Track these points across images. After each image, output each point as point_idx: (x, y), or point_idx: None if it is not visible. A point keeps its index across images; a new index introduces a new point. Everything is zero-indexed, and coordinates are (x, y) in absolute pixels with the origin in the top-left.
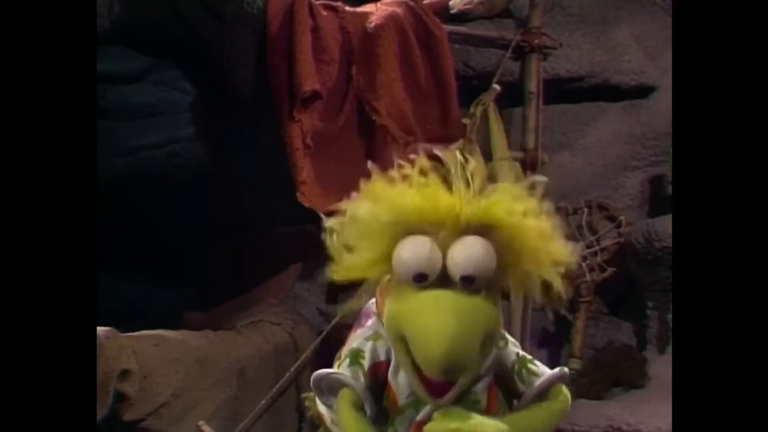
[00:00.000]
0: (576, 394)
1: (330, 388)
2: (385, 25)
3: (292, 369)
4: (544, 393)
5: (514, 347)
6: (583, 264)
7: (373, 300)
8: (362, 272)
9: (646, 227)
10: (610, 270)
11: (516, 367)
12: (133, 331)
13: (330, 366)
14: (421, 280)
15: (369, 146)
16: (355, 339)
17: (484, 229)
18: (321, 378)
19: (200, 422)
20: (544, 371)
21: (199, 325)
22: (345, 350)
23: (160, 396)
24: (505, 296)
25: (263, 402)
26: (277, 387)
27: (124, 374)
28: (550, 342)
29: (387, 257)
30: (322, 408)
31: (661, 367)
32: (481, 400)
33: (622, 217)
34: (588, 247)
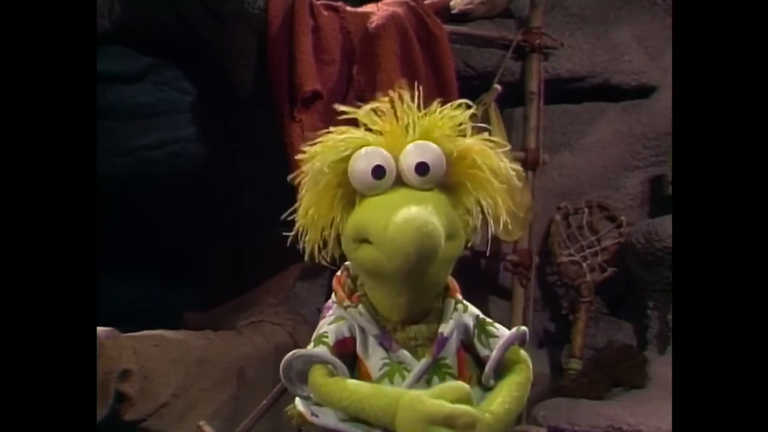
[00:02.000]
0: (576, 394)
1: (300, 374)
2: (386, 25)
3: None
4: (503, 359)
5: (474, 311)
6: (584, 264)
7: (333, 296)
8: (323, 209)
9: (647, 227)
10: (610, 270)
11: (476, 331)
12: (134, 331)
13: None
14: (379, 173)
15: None
16: (319, 328)
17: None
18: (289, 364)
19: (201, 422)
20: (502, 333)
21: (200, 325)
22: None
23: (160, 396)
24: (506, 296)
25: (264, 402)
26: (277, 387)
27: (125, 374)
28: (551, 342)
29: (345, 178)
30: (300, 406)
31: (661, 367)
32: (451, 365)
33: (622, 217)
34: (588, 247)
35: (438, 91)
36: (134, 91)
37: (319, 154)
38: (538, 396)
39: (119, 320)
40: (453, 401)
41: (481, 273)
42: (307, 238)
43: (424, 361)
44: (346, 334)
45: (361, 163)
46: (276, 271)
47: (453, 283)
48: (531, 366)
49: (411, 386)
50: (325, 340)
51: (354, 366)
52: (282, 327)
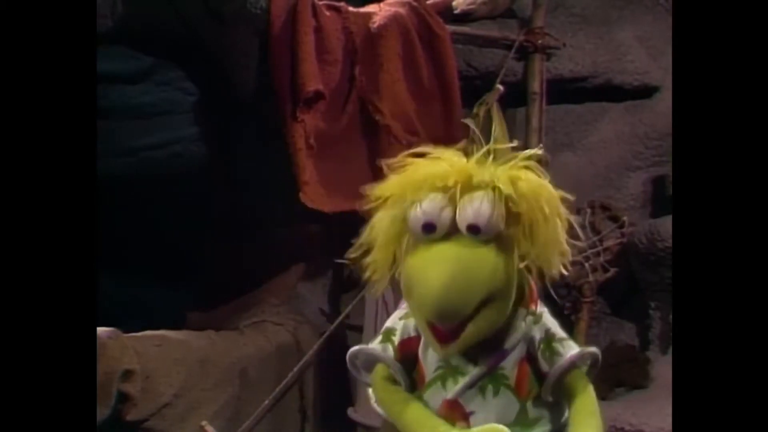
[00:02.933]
0: None
1: (366, 364)
2: (388, 26)
3: (295, 369)
4: (563, 381)
5: (547, 323)
6: (586, 264)
7: None
8: (384, 245)
9: (649, 227)
10: (612, 270)
11: (542, 345)
12: (136, 331)
13: (335, 367)
14: (428, 229)
15: (372, 146)
16: (390, 320)
17: (495, 189)
18: (356, 354)
19: (203, 422)
20: (567, 352)
21: (202, 325)
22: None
23: (162, 396)
24: None
25: (266, 402)
26: (279, 387)
27: (127, 374)
28: None
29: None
30: (369, 391)
31: (663, 367)
32: (509, 377)
33: (624, 218)
34: (591, 247)
35: (440, 91)
36: (136, 91)
37: (397, 192)
38: None
39: (121, 320)
40: None
41: None
42: (374, 275)
43: (479, 370)
44: (412, 333)
45: (416, 216)
46: (278, 271)
47: (531, 290)
48: (593, 393)
49: (462, 391)
50: (393, 337)
51: (415, 367)
52: (284, 327)
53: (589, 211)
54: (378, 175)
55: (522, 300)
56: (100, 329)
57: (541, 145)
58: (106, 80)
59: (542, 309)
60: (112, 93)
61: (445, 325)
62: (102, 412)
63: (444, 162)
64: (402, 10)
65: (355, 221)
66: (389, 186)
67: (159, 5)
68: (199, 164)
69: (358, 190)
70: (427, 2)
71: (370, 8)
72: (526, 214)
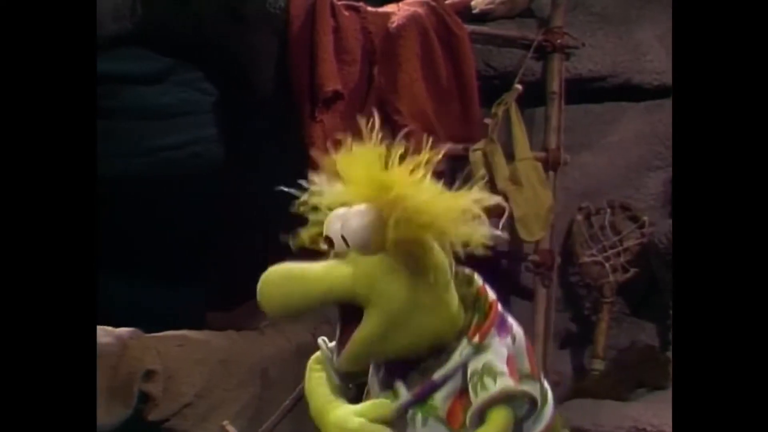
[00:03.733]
0: (599, 395)
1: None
2: (407, 25)
3: None
4: (484, 416)
5: (489, 356)
6: (606, 264)
7: None
8: (309, 236)
9: (669, 227)
10: (632, 271)
11: (474, 377)
12: (157, 331)
13: None
14: (328, 243)
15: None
16: None
17: (384, 200)
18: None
19: (224, 422)
20: (497, 387)
21: (222, 325)
22: None
23: (184, 396)
24: (528, 297)
25: (287, 402)
26: (300, 387)
27: (149, 374)
28: (573, 342)
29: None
30: None
31: None
32: (438, 407)
33: (645, 218)
34: (611, 247)
35: (458, 91)
36: (155, 92)
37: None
38: (561, 397)
39: (142, 321)
40: (373, 419)
41: (502, 274)
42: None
43: (407, 399)
44: None
45: (324, 229)
46: None
47: (480, 323)
48: (508, 427)
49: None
50: None
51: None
52: (304, 327)
53: (609, 211)
54: None
55: (467, 331)
56: (121, 329)
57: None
58: (125, 81)
59: (496, 339)
60: (131, 94)
61: (277, 316)
62: (124, 412)
63: (358, 172)
64: (420, 10)
65: None
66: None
67: (178, 6)
68: (217, 164)
69: None
70: (446, 2)
71: (389, 8)
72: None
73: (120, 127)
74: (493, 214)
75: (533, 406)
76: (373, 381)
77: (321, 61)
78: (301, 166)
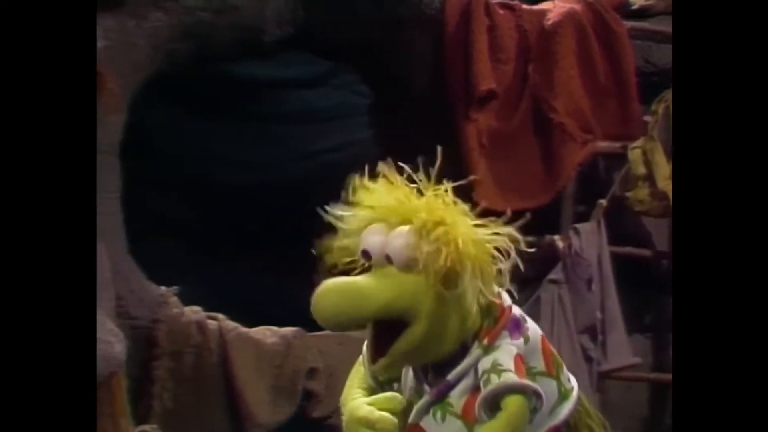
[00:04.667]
0: None
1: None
2: (563, 23)
3: None
4: (493, 406)
5: (498, 356)
6: None
7: None
8: (338, 257)
9: None
10: None
11: (484, 375)
12: (319, 330)
13: None
14: (365, 256)
15: (545, 145)
16: None
17: (425, 226)
18: None
19: None
20: (502, 384)
21: None
22: None
23: None
24: None
25: None
26: None
27: (312, 372)
28: None
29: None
30: None
31: None
32: (454, 405)
33: None
34: None
35: (617, 88)
36: (314, 95)
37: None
38: None
39: (305, 320)
40: (382, 410)
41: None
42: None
43: (425, 399)
44: None
45: (361, 243)
46: None
47: (490, 327)
48: (513, 417)
49: (418, 414)
50: None
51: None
52: None
53: None
54: (551, 173)
55: (479, 334)
56: (285, 329)
57: None
58: (285, 86)
59: (507, 341)
60: (291, 98)
61: (335, 330)
62: (289, 410)
63: (392, 197)
64: (577, 7)
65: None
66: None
67: (337, 10)
68: (374, 166)
69: (531, 189)
70: None
71: (545, 5)
72: (444, 256)
73: (284, 132)
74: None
75: (540, 399)
76: (405, 382)
77: (476, 60)
78: (456, 166)
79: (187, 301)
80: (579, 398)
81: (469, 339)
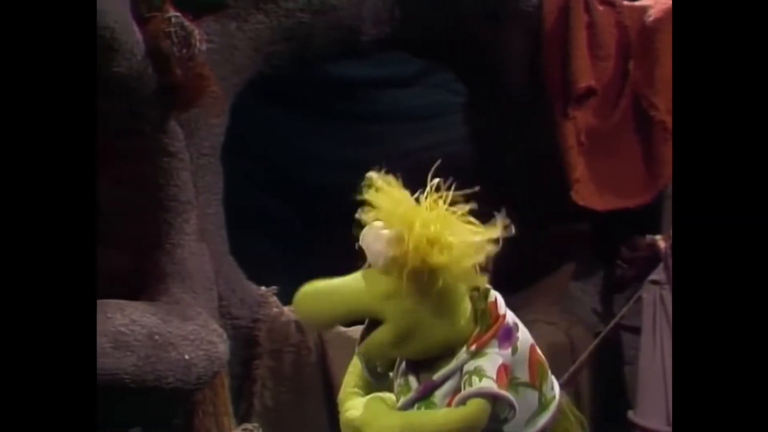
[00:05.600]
0: None
1: None
2: (665, 19)
3: (571, 370)
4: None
5: (482, 362)
6: None
7: None
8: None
9: None
10: None
11: (465, 377)
12: None
13: (610, 368)
14: (361, 254)
15: (645, 143)
16: None
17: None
18: None
19: None
20: (479, 387)
21: None
22: None
23: None
24: None
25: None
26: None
27: None
28: None
29: None
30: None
31: None
32: (437, 404)
33: None
34: None
35: None
36: (408, 94)
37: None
38: None
39: None
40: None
41: None
42: None
43: (413, 394)
44: None
45: (360, 241)
46: (548, 271)
47: (479, 334)
48: (472, 415)
49: (404, 407)
50: None
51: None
52: (557, 326)
53: None
54: (652, 172)
55: (466, 341)
56: None
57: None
58: (381, 85)
59: (495, 350)
60: (386, 97)
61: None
62: None
63: (389, 199)
64: None
65: (625, 219)
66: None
67: (436, 9)
68: (470, 164)
69: (631, 188)
70: None
71: (645, 2)
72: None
73: (380, 131)
74: None
75: (513, 410)
76: (396, 372)
77: (574, 57)
78: (553, 163)
79: (285, 300)
80: (559, 405)
81: (460, 343)
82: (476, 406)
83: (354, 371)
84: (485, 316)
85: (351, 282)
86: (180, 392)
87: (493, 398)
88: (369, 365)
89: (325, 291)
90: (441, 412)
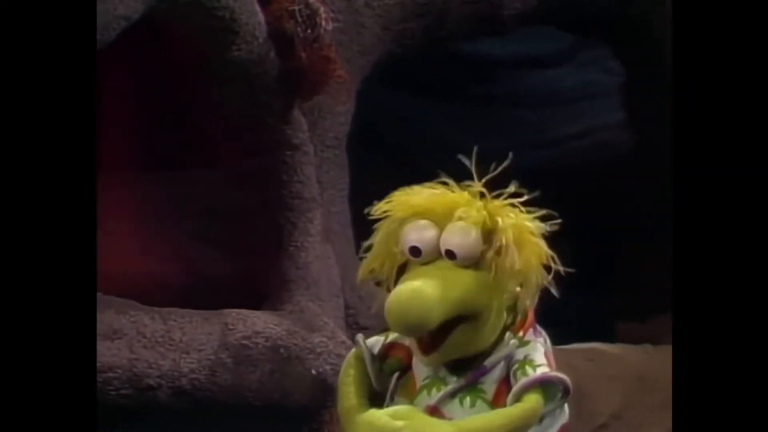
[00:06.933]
0: None
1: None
2: None
3: None
4: (521, 398)
5: (530, 350)
6: None
7: None
8: (380, 261)
9: None
10: None
11: (516, 365)
12: (563, 343)
13: None
14: (414, 253)
15: None
16: None
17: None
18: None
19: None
20: (539, 374)
21: (636, 337)
22: None
23: (599, 416)
24: None
25: None
26: None
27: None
28: None
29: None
30: None
31: None
32: (486, 391)
33: None
34: None
35: None
36: (556, 74)
37: (395, 210)
38: None
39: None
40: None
41: None
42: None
43: (459, 382)
44: (406, 342)
45: (406, 240)
46: None
47: (525, 320)
48: (525, 411)
49: (442, 399)
50: (388, 334)
51: (404, 374)
52: None
53: None
54: None
55: (513, 326)
56: None
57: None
58: (524, 64)
59: (533, 338)
60: (530, 78)
61: (411, 336)
62: None
63: (435, 193)
64: None
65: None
66: (390, 204)
67: None
68: (627, 153)
69: None
70: None
71: None
72: (502, 247)
73: (521, 116)
74: None
75: (565, 395)
76: (420, 370)
77: None
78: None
79: None
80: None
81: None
82: (533, 401)
83: (353, 380)
84: (520, 304)
85: (441, 283)
86: (306, 411)
87: (551, 383)
88: (385, 370)
89: (419, 296)
90: (497, 414)
